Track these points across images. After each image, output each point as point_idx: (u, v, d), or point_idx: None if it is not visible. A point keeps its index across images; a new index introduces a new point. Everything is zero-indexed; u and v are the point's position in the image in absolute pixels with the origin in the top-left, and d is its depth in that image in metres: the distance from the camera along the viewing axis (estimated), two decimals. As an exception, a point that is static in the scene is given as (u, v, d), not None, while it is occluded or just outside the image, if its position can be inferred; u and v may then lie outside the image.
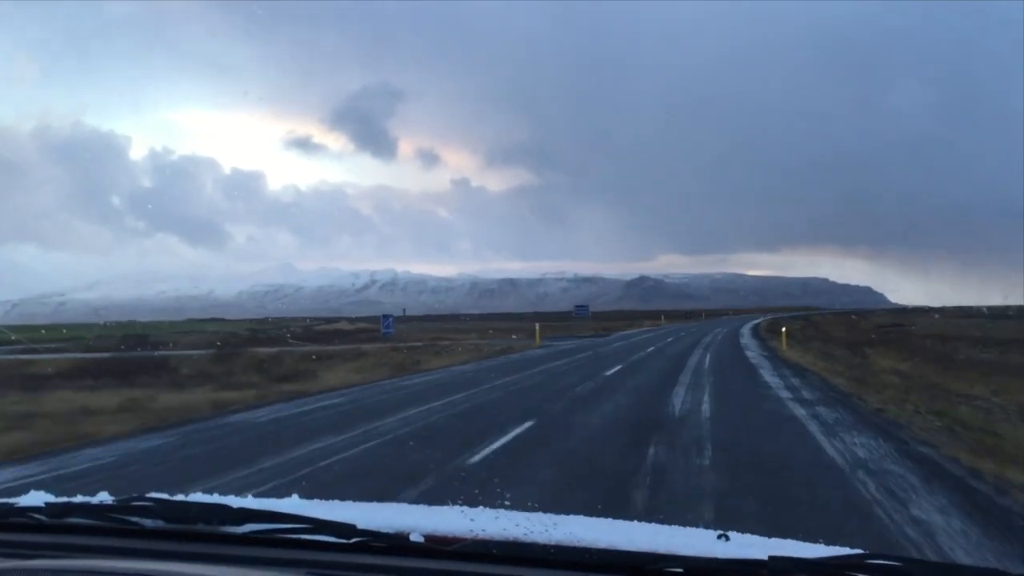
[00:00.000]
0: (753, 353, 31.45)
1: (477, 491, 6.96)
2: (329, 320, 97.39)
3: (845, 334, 54.82)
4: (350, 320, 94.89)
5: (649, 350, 33.73)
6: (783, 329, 41.87)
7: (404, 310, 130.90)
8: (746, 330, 61.56)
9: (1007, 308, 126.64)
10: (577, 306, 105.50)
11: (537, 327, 44.46)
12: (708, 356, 29.38)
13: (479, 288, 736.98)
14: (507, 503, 4.65)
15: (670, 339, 45.56)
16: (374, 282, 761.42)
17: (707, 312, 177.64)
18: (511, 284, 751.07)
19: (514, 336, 48.45)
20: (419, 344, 39.58)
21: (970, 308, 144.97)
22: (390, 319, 48.16)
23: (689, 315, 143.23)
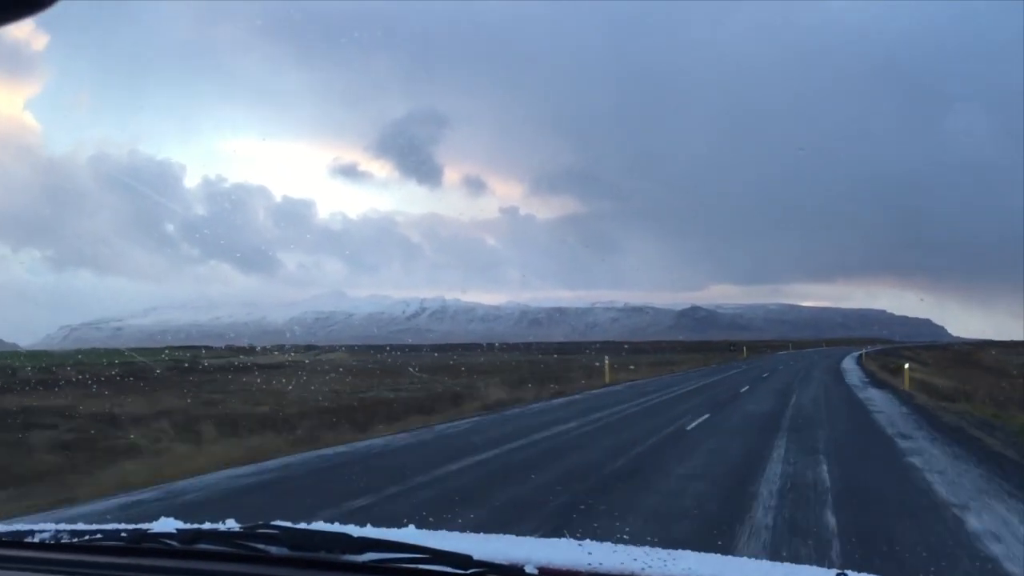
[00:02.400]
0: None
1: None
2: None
3: (996, 378, 39.22)
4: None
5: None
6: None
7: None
8: (856, 368, 51.44)
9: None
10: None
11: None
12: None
13: (528, 317, 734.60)
14: (626, 537, 4.88)
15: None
16: (424, 310, 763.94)
17: (762, 344, 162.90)
18: (560, 313, 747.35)
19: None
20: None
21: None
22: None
23: (733, 347, 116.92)
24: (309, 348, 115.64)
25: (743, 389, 30.66)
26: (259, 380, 27.57)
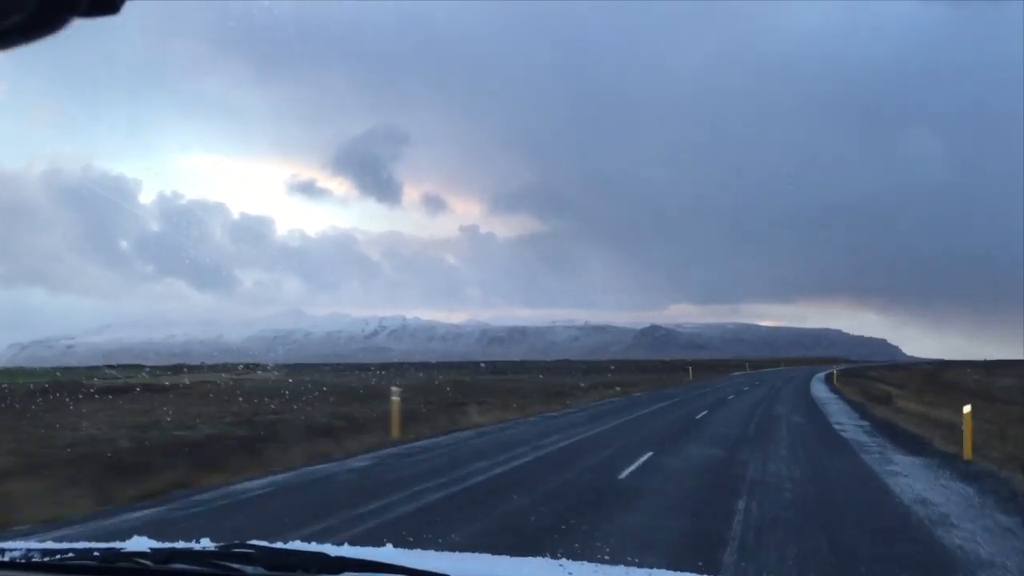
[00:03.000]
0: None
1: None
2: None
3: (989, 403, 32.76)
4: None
5: None
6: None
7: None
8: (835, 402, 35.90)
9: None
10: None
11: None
12: None
13: (488, 335, 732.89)
14: (606, 557, 5.39)
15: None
16: (383, 328, 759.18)
17: (719, 363, 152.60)
18: (520, 332, 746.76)
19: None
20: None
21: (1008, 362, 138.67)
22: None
23: (687, 366, 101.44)
24: (254, 367, 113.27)
25: (628, 469, 13.95)
26: (125, 406, 26.13)
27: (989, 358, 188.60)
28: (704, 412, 28.05)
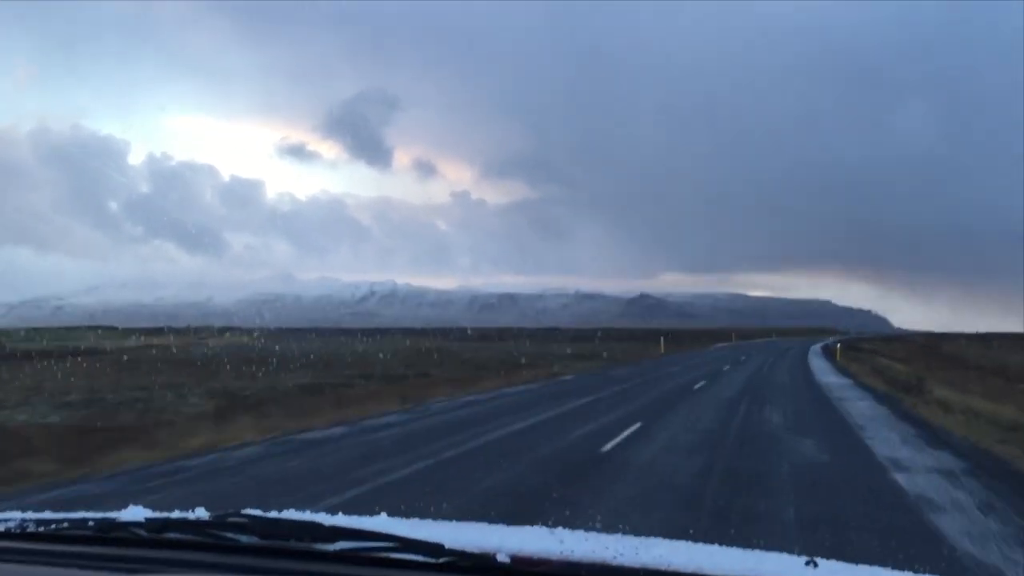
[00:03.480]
0: None
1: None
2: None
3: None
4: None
5: None
6: None
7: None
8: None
9: None
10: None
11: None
12: None
13: (479, 302, 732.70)
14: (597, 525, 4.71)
15: None
16: (373, 293, 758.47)
17: (705, 334, 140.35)
18: (511, 299, 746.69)
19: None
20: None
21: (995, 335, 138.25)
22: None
23: (670, 336, 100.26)
24: (235, 331, 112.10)
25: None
26: (23, 374, 24.83)
27: (978, 330, 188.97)
28: (631, 430, 14.52)
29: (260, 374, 26.14)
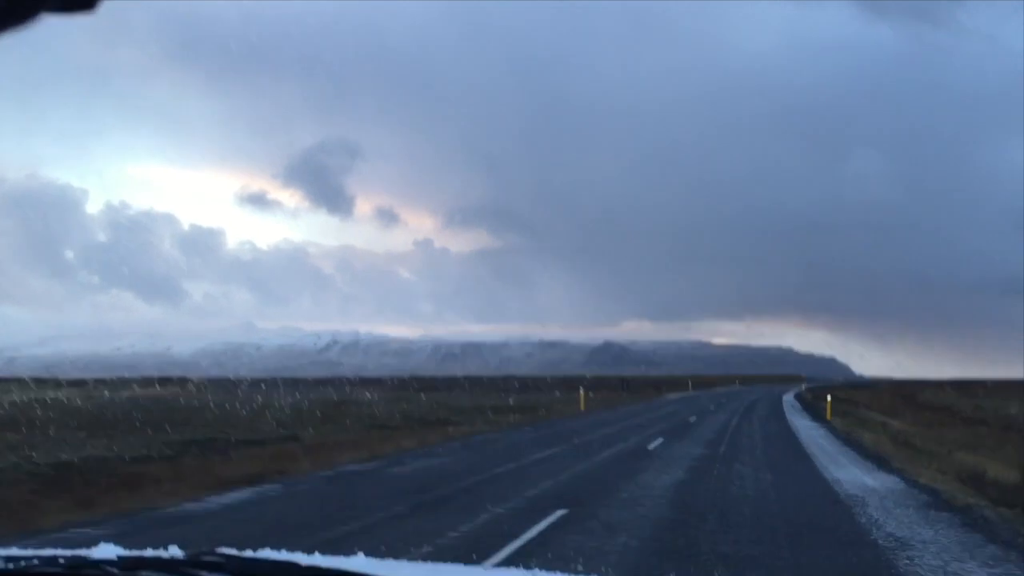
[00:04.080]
0: None
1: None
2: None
3: None
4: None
5: None
6: None
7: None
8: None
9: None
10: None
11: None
12: None
13: (442, 351, 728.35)
14: (580, 567, 5.27)
15: None
16: (336, 343, 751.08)
17: (665, 381, 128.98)
18: (475, 348, 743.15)
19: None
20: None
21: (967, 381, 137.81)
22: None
23: (625, 384, 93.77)
24: (177, 381, 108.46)
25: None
26: None
27: (940, 376, 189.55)
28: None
29: (68, 438, 22.85)
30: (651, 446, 22.38)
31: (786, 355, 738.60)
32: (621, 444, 23.07)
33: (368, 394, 60.00)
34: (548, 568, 2.71)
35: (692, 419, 34.76)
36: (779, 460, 19.77)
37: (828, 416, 35.88)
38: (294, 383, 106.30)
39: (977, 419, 37.27)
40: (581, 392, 47.60)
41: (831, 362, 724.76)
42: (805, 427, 30.16)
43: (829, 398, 41.48)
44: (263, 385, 75.86)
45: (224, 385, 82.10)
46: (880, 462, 18.93)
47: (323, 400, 49.44)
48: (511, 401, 51.13)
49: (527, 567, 2.83)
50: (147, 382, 79.54)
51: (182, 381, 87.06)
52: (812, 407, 46.03)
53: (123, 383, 74.60)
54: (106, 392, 56.44)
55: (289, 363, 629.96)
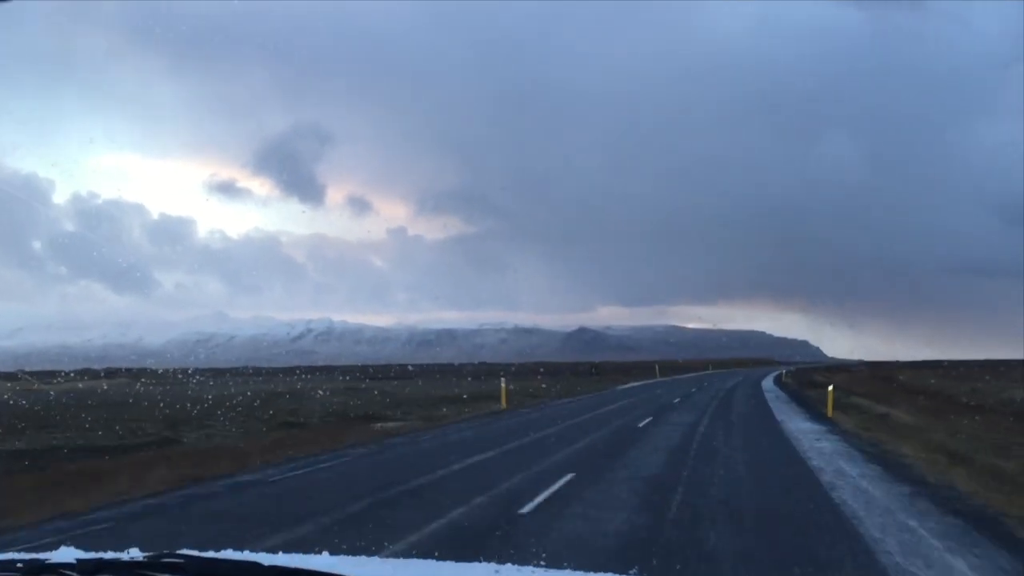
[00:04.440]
0: None
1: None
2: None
3: None
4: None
5: None
6: None
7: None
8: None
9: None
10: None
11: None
12: None
13: (417, 338, 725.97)
14: (542, 562, 4.99)
15: None
16: (309, 331, 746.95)
17: (635, 366, 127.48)
18: (449, 335, 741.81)
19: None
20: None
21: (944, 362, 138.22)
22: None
23: (595, 370, 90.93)
24: (113, 372, 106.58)
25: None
26: None
27: (912, 358, 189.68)
28: None
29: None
30: (538, 498, 11.78)
31: (760, 338, 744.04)
32: (501, 485, 13.20)
33: (318, 386, 58.52)
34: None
35: (642, 424, 25.56)
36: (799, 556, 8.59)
37: (829, 412, 28.75)
38: (256, 373, 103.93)
39: (976, 405, 34.04)
40: (503, 384, 37.84)
41: (804, 345, 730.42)
42: (808, 437, 21.56)
43: (831, 388, 32.16)
44: (220, 377, 74.17)
45: (176, 377, 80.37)
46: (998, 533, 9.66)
47: (260, 393, 47.66)
48: (465, 393, 49.58)
49: None
50: (94, 375, 77.62)
51: (136, 373, 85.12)
52: (800, 397, 39.92)
53: (54, 375, 72.65)
54: (35, 386, 54.55)
55: (262, 352, 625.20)
